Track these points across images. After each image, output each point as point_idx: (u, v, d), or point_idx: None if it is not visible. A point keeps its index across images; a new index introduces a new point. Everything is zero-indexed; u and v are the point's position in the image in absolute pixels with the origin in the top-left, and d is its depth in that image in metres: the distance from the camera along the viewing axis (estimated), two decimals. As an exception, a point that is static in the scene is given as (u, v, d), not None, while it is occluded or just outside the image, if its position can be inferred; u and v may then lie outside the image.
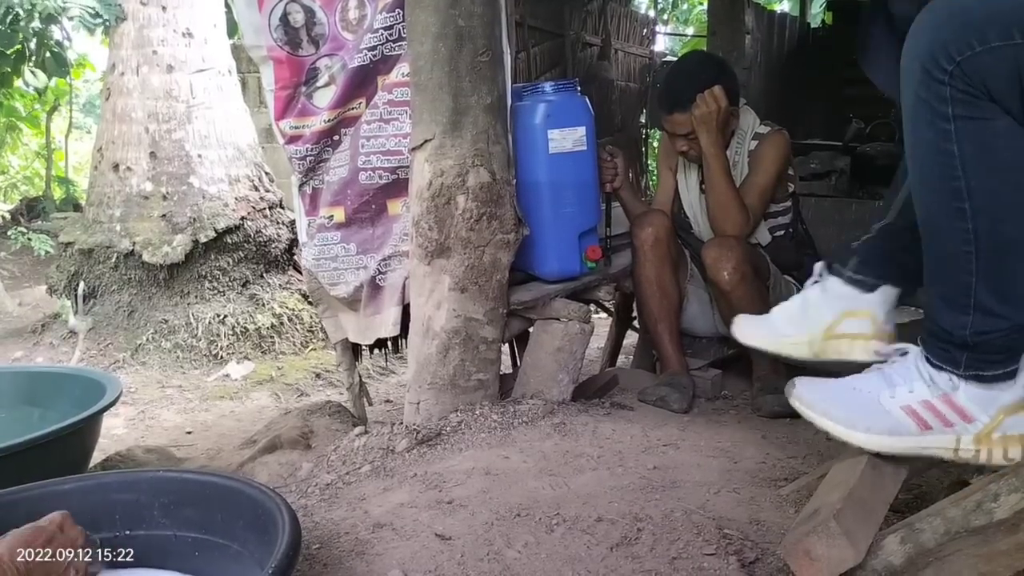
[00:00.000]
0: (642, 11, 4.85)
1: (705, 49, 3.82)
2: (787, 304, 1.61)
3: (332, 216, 2.51)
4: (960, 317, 1.15)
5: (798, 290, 2.64)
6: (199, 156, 4.56)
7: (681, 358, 2.57)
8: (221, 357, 4.30)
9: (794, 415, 2.25)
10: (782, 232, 2.74)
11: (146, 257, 4.31)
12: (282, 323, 4.52)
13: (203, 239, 4.38)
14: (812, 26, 4.84)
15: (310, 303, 4.21)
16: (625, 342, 3.54)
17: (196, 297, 4.46)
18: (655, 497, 1.61)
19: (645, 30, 4.87)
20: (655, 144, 6.43)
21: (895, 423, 1.19)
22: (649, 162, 5.27)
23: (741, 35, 3.86)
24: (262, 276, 4.67)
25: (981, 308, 1.14)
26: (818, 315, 1.54)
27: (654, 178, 5.26)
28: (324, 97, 2.50)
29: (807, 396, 1.31)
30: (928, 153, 1.15)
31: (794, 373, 1.53)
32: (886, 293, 1.48)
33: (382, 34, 2.39)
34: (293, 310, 4.58)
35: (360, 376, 2.73)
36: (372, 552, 1.44)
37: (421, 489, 1.74)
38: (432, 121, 2.10)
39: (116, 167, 4.52)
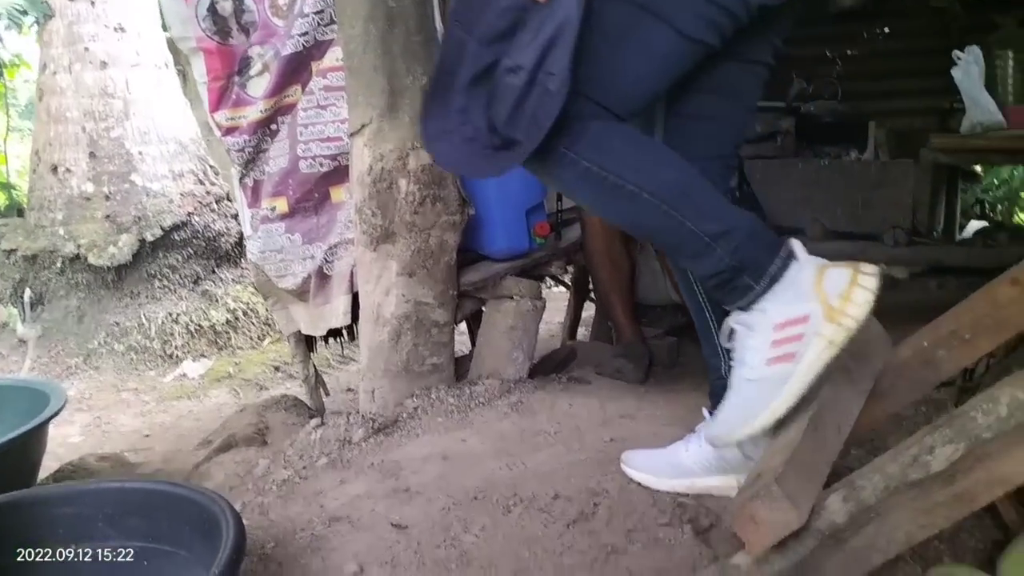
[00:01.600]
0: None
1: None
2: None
3: (275, 207, 2.46)
4: (713, 254, 1.21)
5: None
6: (140, 153, 4.45)
7: (636, 328, 2.58)
8: (176, 357, 4.23)
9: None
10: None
11: (92, 260, 4.21)
12: (237, 318, 4.46)
13: (150, 238, 4.29)
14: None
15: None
16: (584, 314, 3.54)
17: (147, 297, 4.38)
18: (612, 470, 1.61)
19: None
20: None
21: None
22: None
23: None
24: (214, 271, 4.59)
25: (712, 234, 1.21)
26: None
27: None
28: (258, 86, 2.44)
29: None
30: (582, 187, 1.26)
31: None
32: None
33: (313, 18, 2.34)
34: (247, 304, 4.51)
35: (315, 367, 2.70)
36: (328, 547, 1.42)
37: (378, 479, 1.73)
38: (368, 105, 2.06)
39: (55, 169, 4.39)
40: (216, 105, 2.46)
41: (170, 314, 4.33)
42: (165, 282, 4.41)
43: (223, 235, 4.60)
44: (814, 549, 0.98)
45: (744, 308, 1.23)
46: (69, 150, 4.37)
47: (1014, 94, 3.81)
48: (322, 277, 2.42)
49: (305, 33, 2.35)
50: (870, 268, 1.22)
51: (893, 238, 3.52)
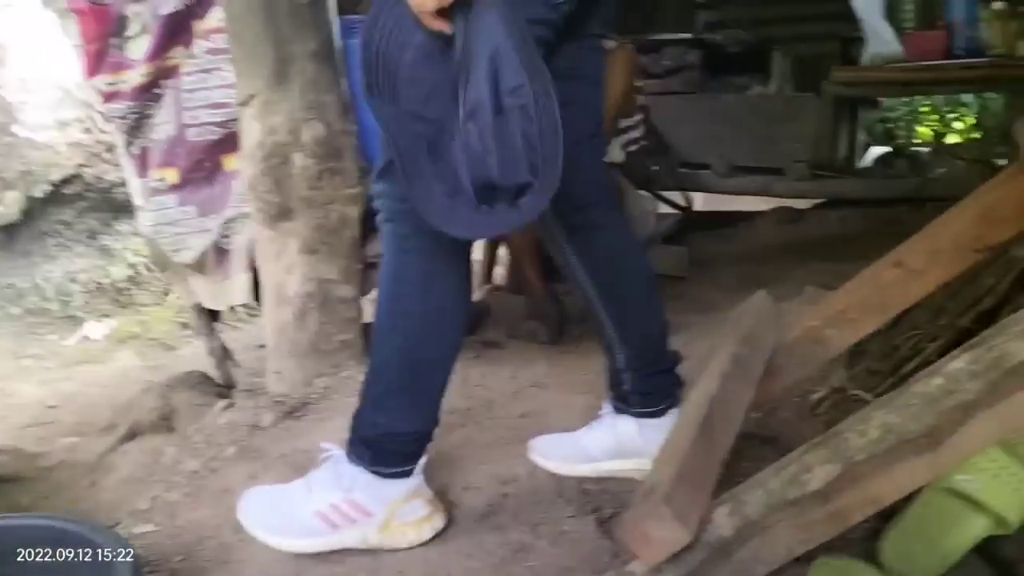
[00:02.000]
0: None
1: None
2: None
3: (164, 178, 2.35)
4: (376, 416, 1.33)
5: (653, 206, 2.69)
6: (20, 102, 4.16)
7: (546, 286, 2.58)
8: (78, 318, 4.07)
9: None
10: (635, 146, 2.75)
11: (-24, 220, 3.98)
12: (139, 273, 4.29)
13: (39, 194, 4.06)
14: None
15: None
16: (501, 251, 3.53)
17: (41, 256, 4.17)
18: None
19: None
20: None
21: (307, 527, 1.32)
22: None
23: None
24: (110, 224, 4.39)
25: (393, 412, 1.32)
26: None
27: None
28: (138, 48, 2.29)
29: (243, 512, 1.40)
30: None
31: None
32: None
33: (191, -24, 2.19)
34: (149, 258, 4.33)
35: (221, 339, 2.63)
36: (236, 559, 1.41)
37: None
38: (254, 75, 1.97)
39: (-76, 123, 4.09)
40: (93, 70, 2.31)
41: (67, 273, 4.14)
42: (60, 239, 4.20)
43: (117, 186, 4.36)
44: (703, 560, 1.02)
45: (351, 461, 1.34)
46: (-61, 102, 4.06)
47: (915, 20, 3.87)
48: (220, 252, 2.33)
49: (184, -8, 2.20)
50: (441, 521, 1.38)
51: (796, 172, 3.60)
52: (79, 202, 4.25)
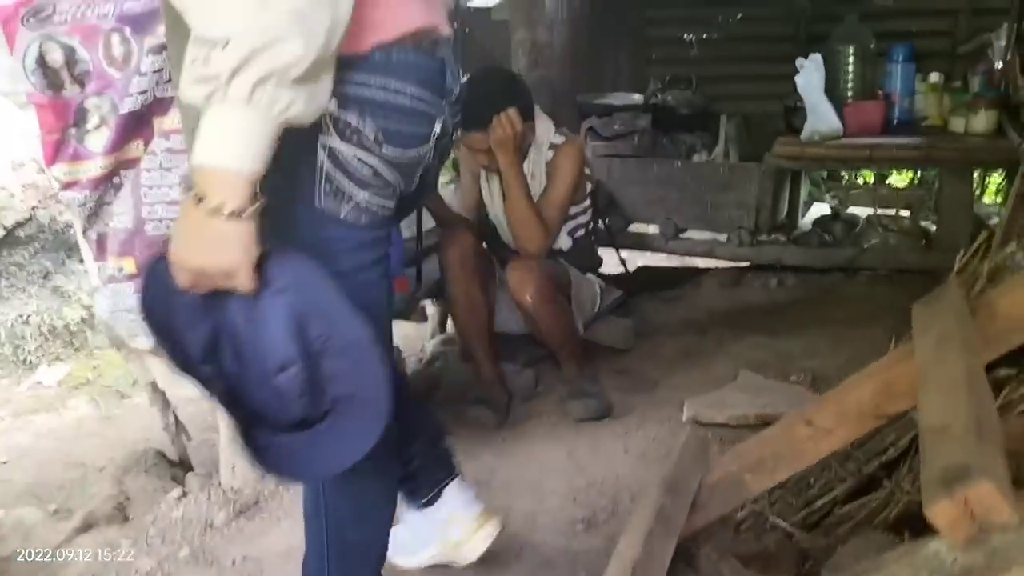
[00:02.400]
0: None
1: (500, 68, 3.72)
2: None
3: (122, 267, 2.39)
4: None
5: (600, 288, 2.81)
6: (-27, 143, 4.14)
7: (495, 368, 2.69)
8: (30, 362, 4.06)
9: (597, 418, 2.48)
10: (582, 232, 2.86)
11: (-73, 263, 3.95)
12: (92, 315, 4.29)
13: (-9, 238, 4.05)
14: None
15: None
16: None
17: (-7, 297, 4.16)
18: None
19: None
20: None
21: None
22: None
23: (541, -6, 3.84)
24: (63, 264, 4.38)
25: None
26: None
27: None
28: (97, 141, 2.32)
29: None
30: None
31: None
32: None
33: (152, 76, 2.23)
34: (105, 336, 4.34)
35: (175, 415, 2.68)
36: None
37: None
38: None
39: None
40: (52, 159, 2.33)
41: (20, 316, 4.13)
42: (12, 280, 4.18)
43: (71, 227, 4.36)
44: None
45: None
46: None
47: (853, 89, 4.05)
48: (177, 341, 2.39)
49: (144, 91, 2.24)
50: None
51: (738, 238, 3.75)
52: (32, 243, 4.24)
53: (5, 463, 3.33)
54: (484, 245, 2.79)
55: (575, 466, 2.27)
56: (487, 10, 4.61)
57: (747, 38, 4.54)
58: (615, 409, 2.64)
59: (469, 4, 4.84)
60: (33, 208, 4.24)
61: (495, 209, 2.80)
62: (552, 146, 2.68)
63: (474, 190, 2.83)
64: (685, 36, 4.63)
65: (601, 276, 2.97)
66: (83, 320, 4.30)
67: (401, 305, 2.57)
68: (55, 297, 4.29)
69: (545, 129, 2.69)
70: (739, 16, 4.51)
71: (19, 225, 4.17)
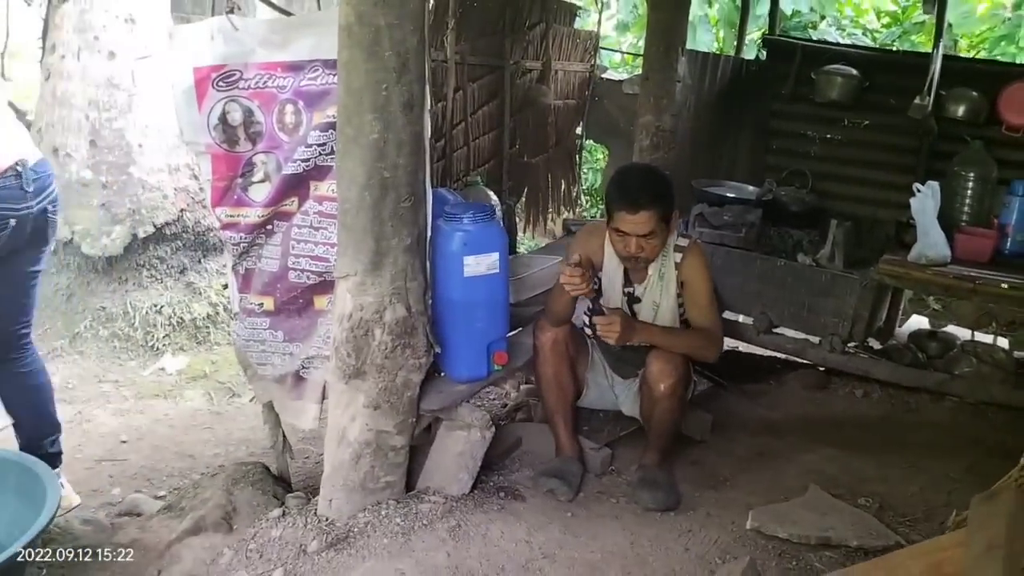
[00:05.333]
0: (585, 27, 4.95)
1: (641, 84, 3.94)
2: None
3: (262, 304, 2.70)
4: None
5: (695, 380, 2.96)
6: (140, 146, 4.60)
7: (574, 444, 2.87)
8: (157, 348, 4.48)
9: (665, 510, 2.62)
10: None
11: (85, 249, 4.41)
12: (218, 312, 4.70)
13: (141, 234, 4.49)
14: (746, 59, 5.00)
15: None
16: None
17: (134, 284, 4.60)
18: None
19: (588, 44, 4.96)
20: (587, 154, 6.58)
21: None
22: (584, 170, 5.48)
23: (672, 83, 4.02)
24: (199, 262, 4.81)
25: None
26: None
27: (585, 188, 5.46)
28: (259, 192, 2.64)
29: None
30: None
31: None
32: None
33: (315, 149, 2.54)
34: (229, 299, 4.75)
35: (284, 435, 2.98)
36: None
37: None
38: (355, 259, 2.30)
39: (55, 151, 4.54)
40: (218, 201, 2.67)
41: (155, 305, 4.56)
42: (153, 272, 4.63)
43: (212, 230, 4.79)
44: None
45: None
46: (71, 135, 4.51)
47: (969, 215, 4.08)
48: (298, 378, 2.69)
49: (307, 160, 2.55)
50: None
51: (830, 344, 3.83)
52: (175, 241, 4.67)
53: (125, 443, 3.72)
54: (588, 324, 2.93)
55: (636, 556, 2.43)
56: (619, 83, 4.82)
57: (870, 144, 4.60)
58: (683, 502, 2.78)
59: (604, 75, 5.08)
60: (182, 210, 4.68)
61: (613, 297, 2.89)
62: (678, 248, 2.84)
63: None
64: (808, 133, 4.72)
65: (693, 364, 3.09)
66: (209, 316, 4.70)
67: (499, 375, 2.79)
68: (188, 292, 4.71)
69: (675, 228, 2.84)
70: (866, 123, 4.57)
71: (167, 224, 4.60)
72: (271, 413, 2.92)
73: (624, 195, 2.64)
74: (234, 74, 2.55)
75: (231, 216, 2.66)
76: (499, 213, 3.43)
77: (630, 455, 3.01)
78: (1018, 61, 6.14)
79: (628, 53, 7.59)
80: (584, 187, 5.59)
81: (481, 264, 2.53)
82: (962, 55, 6.57)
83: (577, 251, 2.93)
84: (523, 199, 4.95)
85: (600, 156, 7.28)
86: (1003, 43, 7.36)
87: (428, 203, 2.41)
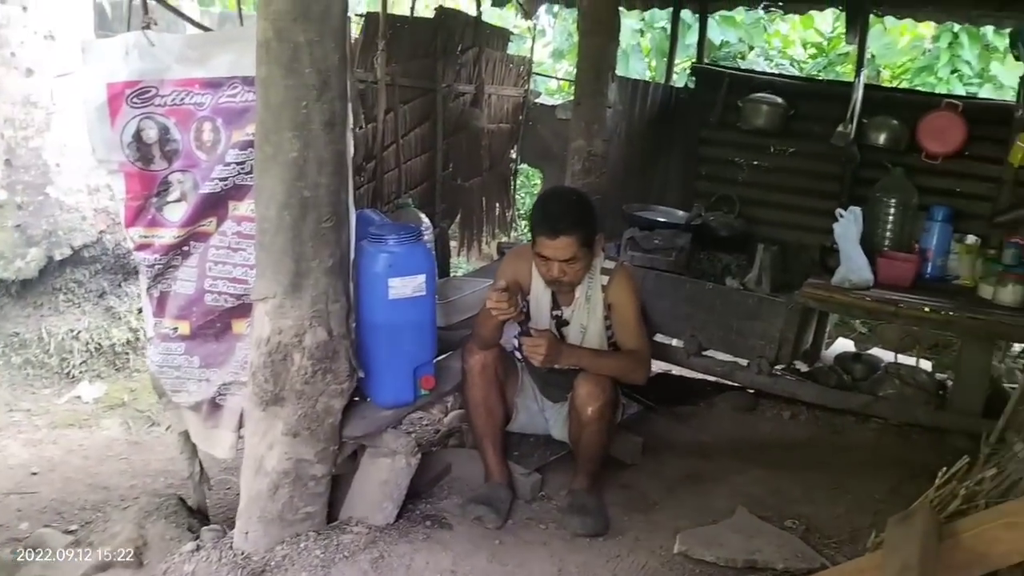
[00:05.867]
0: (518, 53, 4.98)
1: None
2: None
3: (177, 328, 2.60)
4: None
5: (623, 403, 2.95)
6: (57, 165, 4.44)
7: (503, 469, 2.82)
8: (73, 376, 4.30)
9: (594, 535, 2.59)
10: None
11: (-2, 271, 4.23)
12: (138, 338, 4.53)
13: (58, 256, 4.31)
14: (675, 87, 5.09)
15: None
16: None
17: (50, 309, 4.42)
18: None
19: (521, 69, 4.98)
20: (523, 178, 6.61)
21: None
22: (520, 194, 5.48)
23: (604, 108, 4.04)
24: (119, 286, 4.64)
25: None
26: None
27: (521, 211, 5.47)
28: (175, 212, 2.55)
29: None
30: None
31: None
32: None
33: (234, 167, 2.46)
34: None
35: (201, 465, 2.86)
36: None
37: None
38: (274, 281, 2.23)
39: (-34, 170, 4.36)
40: (132, 221, 2.57)
41: (71, 330, 4.38)
42: (70, 296, 4.45)
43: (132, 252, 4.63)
44: None
45: None
46: (-16, 154, 4.34)
47: (891, 240, 4.19)
48: (214, 406, 2.59)
49: (226, 179, 2.47)
50: None
51: (758, 366, 3.87)
52: (94, 264, 4.50)
53: (35, 474, 3.54)
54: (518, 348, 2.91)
55: (562, 578, 2.39)
56: (552, 108, 4.85)
57: (795, 171, 4.71)
58: (612, 526, 2.75)
59: (537, 100, 5.11)
60: (101, 232, 4.52)
61: (540, 321, 2.88)
62: (605, 271, 2.84)
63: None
64: (736, 159, 4.81)
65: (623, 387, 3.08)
66: (128, 342, 4.54)
67: (426, 400, 2.73)
68: (107, 317, 4.55)
69: (599, 251, 2.83)
70: (791, 150, 4.68)
71: (85, 246, 4.44)
72: (187, 442, 2.81)
73: (545, 221, 2.62)
74: (149, 90, 2.47)
75: (145, 237, 2.57)
76: (428, 235, 3.40)
77: (560, 480, 2.98)
78: (937, 91, 6.37)
79: (563, 79, 7.66)
80: (520, 211, 5.58)
81: (407, 286, 2.48)
82: (883, 85, 6.78)
83: (505, 274, 2.91)
84: (457, 222, 4.92)
85: (537, 180, 7.31)
86: (923, 74, 7.66)
87: (351, 223, 2.36)
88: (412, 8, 4.10)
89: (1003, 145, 4.10)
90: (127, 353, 4.51)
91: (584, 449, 2.77)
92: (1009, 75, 6.97)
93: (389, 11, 3.76)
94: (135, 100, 2.47)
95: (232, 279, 2.54)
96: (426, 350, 2.61)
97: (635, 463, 3.23)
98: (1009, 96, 5.05)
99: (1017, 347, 4.81)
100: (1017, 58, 3.47)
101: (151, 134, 2.50)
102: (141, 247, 2.57)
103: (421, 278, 2.50)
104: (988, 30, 6.85)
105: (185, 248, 2.57)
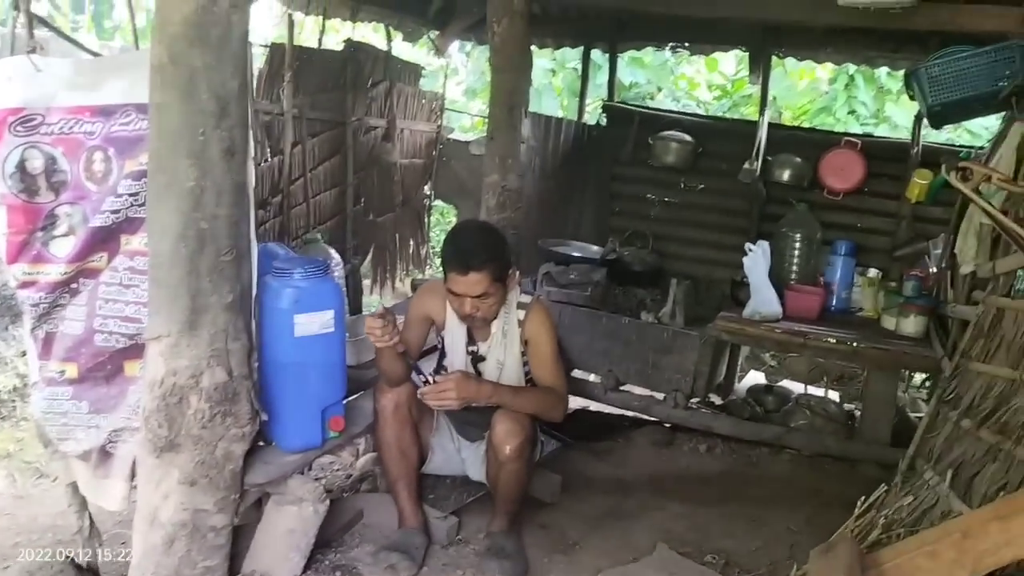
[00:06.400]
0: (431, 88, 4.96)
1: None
2: None
3: (64, 371, 2.41)
4: None
5: (541, 441, 2.88)
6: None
7: (418, 514, 2.71)
8: (-48, 427, 3.98)
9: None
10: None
11: None
12: (25, 384, 4.23)
13: (-63, 299, 4.02)
14: (587, 124, 5.14)
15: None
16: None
17: (-72, 355, 4.10)
18: None
19: (433, 104, 4.94)
20: (438, 215, 6.57)
21: None
22: (435, 230, 5.42)
23: (517, 144, 4.03)
24: (6, 329, 4.35)
25: None
26: None
27: (435, 247, 5.40)
28: (62, 247, 2.37)
29: None
30: None
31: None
32: None
33: (127, 199, 2.32)
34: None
35: (91, 518, 2.66)
36: None
37: None
38: (169, 318, 2.09)
39: None
40: (15, 257, 2.37)
41: (-48, 378, 4.07)
42: (-50, 340, 4.15)
43: (20, 293, 4.35)
44: None
45: None
46: None
47: (797, 273, 4.28)
48: (104, 454, 2.41)
49: (117, 211, 2.33)
50: None
51: (674, 400, 3.87)
52: (-23, 306, 4.22)
53: (-93, 537, 3.22)
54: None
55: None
56: (466, 144, 4.82)
57: (705, 207, 4.80)
58: (531, 569, 2.67)
59: (451, 136, 5.07)
60: (-15, 272, 4.22)
61: (455, 360, 2.83)
62: (521, 305, 2.78)
63: (420, 334, 2.86)
64: (648, 195, 4.87)
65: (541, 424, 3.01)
66: (16, 388, 4.24)
67: (336, 443, 2.60)
68: (-9, 362, 4.24)
69: (514, 286, 2.78)
70: (701, 187, 4.76)
71: (-33, 288, 4.15)
72: (76, 494, 2.60)
73: (455, 256, 2.56)
74: (34, 118, 2.31)
75: (29, 274, 2.38)
76: (338, 270, 3.29)
77: (478, 522, 2.89)
78: (836, 131, 6.62)
79: (477, 116, 7.68)
80: (434, 247, 5.51)
81: (314, 323, 2.37)
82: (786, 124, 7.03)
83: (417, 311, 2.84)
84: (370, 259, 4.81)
85: (452, 216, 7.27)
86: (822, 114, 7.98)
87: (253, 257, 2.24)
88: (320, 40, 4.02)
89: (900, 181, 4.27)
90: (13, 401, 4.20)
91: (502, 489, 2.69)
92: (903, 115, 7.33)
93: (296, 42, 3.67)
94: (18, 128, 2.30)
95: (124, 318, 2.38)
96: (335, 390, 2.49)
97: (554, 501, 3.17)
98: (904, 135, 5.27)
99: (919, 377, 4.98)
100: (912, 98, 3.60)
101: (36, 164, 2.34)
102: (25, 285, 2.38)
103: (329, 314, 2.40)
104: (882, 72, 7.18)
105: (73, 285, 2.40)
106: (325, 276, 2.42)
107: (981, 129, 5.54)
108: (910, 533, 1.63)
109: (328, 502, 2.43)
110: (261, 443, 2.44)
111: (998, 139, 3.19)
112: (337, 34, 4.29)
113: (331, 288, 2.43)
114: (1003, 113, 3.39)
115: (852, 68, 7.45)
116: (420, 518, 2.71)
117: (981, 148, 3.63)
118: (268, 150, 3.53)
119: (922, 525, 2.01)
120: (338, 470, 3.47)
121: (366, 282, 5.10)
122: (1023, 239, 2.14)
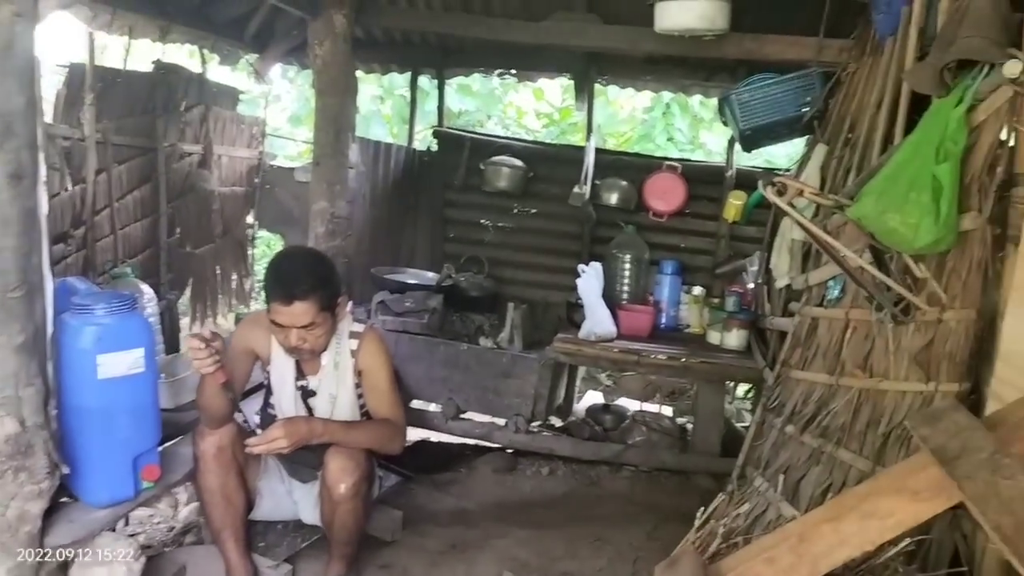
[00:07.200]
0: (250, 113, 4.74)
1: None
2: None
3: None
4: None
5: (380, 476, 2.75)
6: None
7: (247, 564, 2.52)
8: None
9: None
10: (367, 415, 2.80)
11: None
12: None
13: None
14: (418, 149, 5.10)
15: None
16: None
17: None
18: None
19: (254, 129, 4.73)
20: (264, 246, 6.31)
21: None
22: (260, 261, 5.16)
23: (345, 169, 3.92)
24: None
25: None
26: None
27: (260, 280, 5.15)
28: None
29: None
30: None
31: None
32: None
33: None
34: None
35: None
36: None
37: None
38: (-55, 365, 1.83)
39: None
40: None
41: None
42: None
43: None
44: None
45: None
46: None
47: (629, 293, 4.39)
48: None
49: None
50: None
51: (515, 424, 3.85)
52: None
53: None
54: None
55: None
56: (291, 170, 4.64)
57: (538, 231, 4.85)
58: (373, 612, 2.54)
59: (274, 162, 4.87)
60: None
61: (283, 399, 2.66)
62: (353, 335, 2.65)
63: (244, 369, 2.66)
64: (482, 220, 4.87)
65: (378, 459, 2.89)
66: None
67: (151, 494, 2.37)
68: None
69: (345, 315, 2.65)
70: (533, 211, 4.81)
71: None
72: None
73: (278, 285, 2.40)
74: None
75: None
76: (150, 306, 3.04)
77: (314, 567, 2.73)
78: (658, 155, 6.91)
79: (303, 144, 7.46)
80: (259, 279, 5.25)
81: (120, 363, 2.15)
82: (611, 149, 7.28)
83: (239, 344, 2.65)
84: (188, 293, 4.51)
85: (279, 246, 7.00)
86: (643, 141, 8.34)
87: (48, 293, 2.01)
88: (125, 61, 3.74)
89: (718, 203, 4.48)
90: None
91: (338, 531, 2.54)
92: (716, 141, 7.79)
93: (99, 63, 3.40)
94: None
95: None
96: (147, 436, 2.27)
97: (395, 539, 3.05)
98: (719, 159, 5.58)
99: (743, 388, 5.24)
100: (725, 124, 3.80)
101: None
102: None
103: (138, 353, 2.19)
104: (695, 101, 7.60)
105: None
106: (132, 312, 2.21)
107: (782, 158, 5.97)
108: (747, 541, 1.65)
109: (144, 560, 2.20)
110: (65, 499, 2.19)
111: (804, 159, 3.41)
112: (147, 56, 4.01)
113: (139, 325, 2.21)
114: (807, 136, 3.64)
115: (668, 96, 7.83)
116: (249, 569, 2.52)
117: (787, 170, 3.87)
118: (68, 178, 3.23)
119: (756, 531, 2.07)
120: (159, 523, 3.19)
121: (185, 319, 4.78)
122: (833, 248, 2.27)
